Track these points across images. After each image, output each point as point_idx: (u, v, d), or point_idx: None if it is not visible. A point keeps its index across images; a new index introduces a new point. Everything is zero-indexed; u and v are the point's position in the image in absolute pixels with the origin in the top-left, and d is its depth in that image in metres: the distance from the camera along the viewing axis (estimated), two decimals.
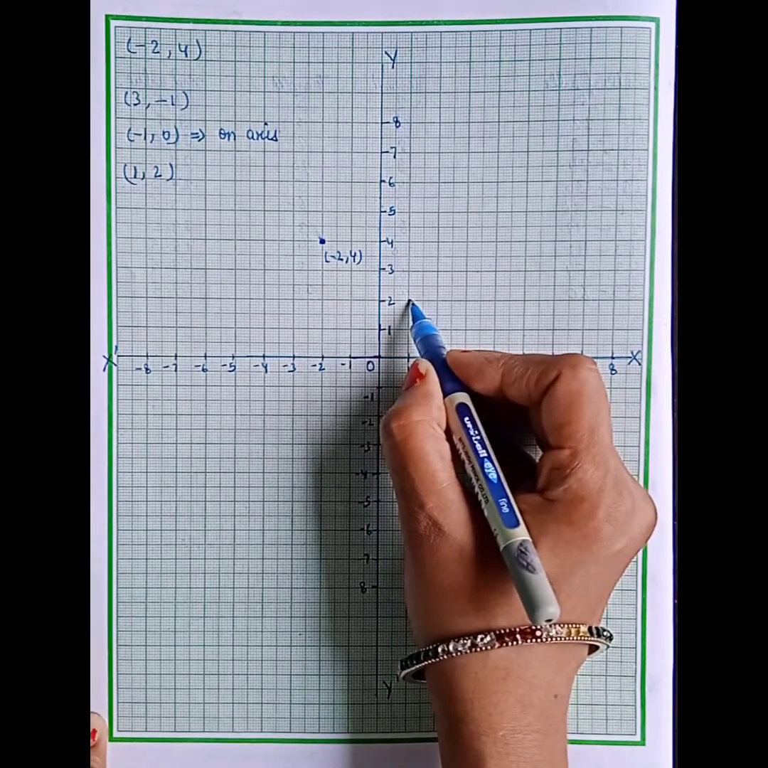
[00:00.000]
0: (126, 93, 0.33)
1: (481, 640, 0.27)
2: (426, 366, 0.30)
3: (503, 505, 0.27)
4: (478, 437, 0.28)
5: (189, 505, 0.33)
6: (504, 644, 0.27)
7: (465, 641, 0.27)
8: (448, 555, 0.28)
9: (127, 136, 0.33)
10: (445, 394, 0.30)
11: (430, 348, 0.31)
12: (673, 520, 0.32)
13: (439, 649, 0.28)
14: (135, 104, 0.33)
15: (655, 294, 0.33)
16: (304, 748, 0.34)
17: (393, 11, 0.33)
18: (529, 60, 0.32)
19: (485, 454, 0.28)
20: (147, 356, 0.33)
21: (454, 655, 0.27)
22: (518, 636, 0.27)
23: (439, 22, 0.33)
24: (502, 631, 0.27)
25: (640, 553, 0.33)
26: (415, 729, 0.34)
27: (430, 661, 0.28)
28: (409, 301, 0.33)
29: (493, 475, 0.28)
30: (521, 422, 0.31)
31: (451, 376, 0.30)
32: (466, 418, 0.29)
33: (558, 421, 0.28)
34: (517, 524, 0.27)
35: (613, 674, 0.33)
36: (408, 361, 0.33)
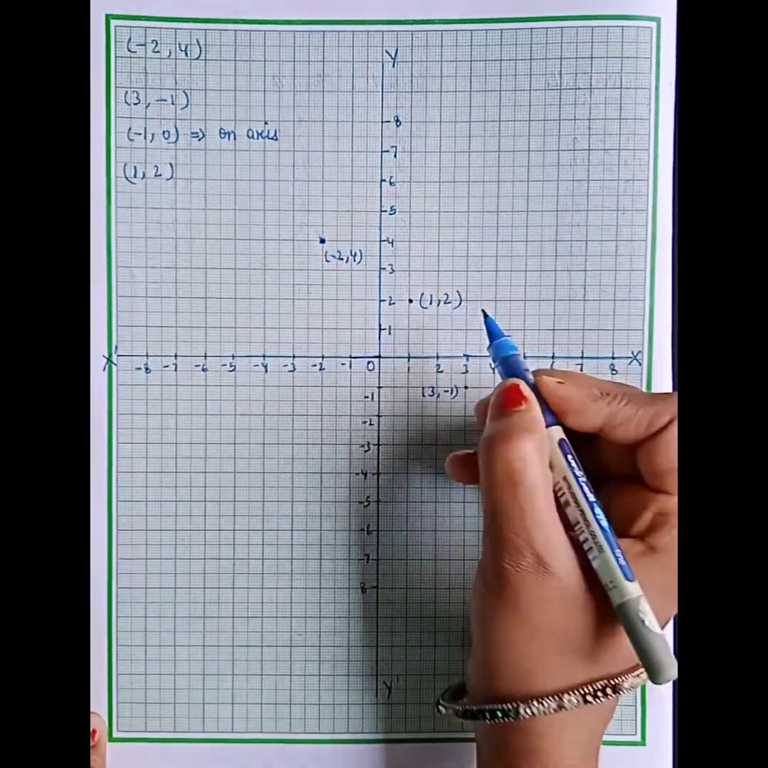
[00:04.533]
0: (126, 92, 0.33)
1: (568, 701, 0.26)
2: (527, 390, 0.27)
3: (619, 557, 0.25)
4: (585, 479, 0.27)
5: (189, 505, 0.33)
6: (589, 704, 0.26)
7: (549, 703, 0.26)
8: (550, 595, 0.26)
9: (127, 136, 0.33)
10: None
11: (516, 371, 0.28)
12: None
13: (522, 710, 0.26)
14: (135, 103, 0.33)
15: (656, 294, 0.33)
16: (304, 748, 0.34)
17: (393, 10, 0.33)
18: (530, 59, 0.32)
19: (593, 498, 0.26)
20: (147, 356, 0.33)
21: (536, 715, 0.26)
22: (609, 690, 0.26)
23: (439, 21, 0.33)
24: (591, 689, 0.26)
25: None
26: (415, 729, 0.34)
27: (508, 719, 0.26)
28: (483, 311, 0.30)
29: (605, 523, 0.26)
30: (597, 453, 0.29)
31: (543, 405, 0.27)
32: (570, 457, 0.27)
33: (668, 466, 0.27)
34: (634, 579, 0.25)
35: None
36: (408, 361, 0.33)
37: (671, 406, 0.27)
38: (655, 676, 0.24)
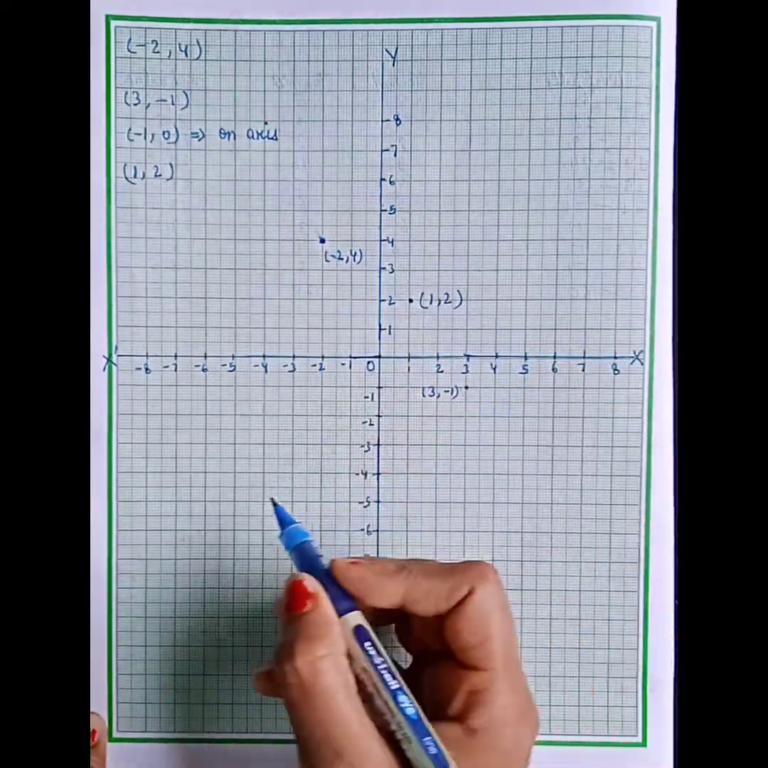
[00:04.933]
0: (126, 93, 0.33)
1: None
2: (314, 585, 0.26)
3: (429, 746, 0.24)
4: (384, 665, 0.25)
5: (189, 505, 0.33)
6: None
7: None
8: None
9: (127, 136, 0.33)
10: (339, 615, 0.26)
11: (308, 559, 0.27)
12: (675, 520, 0.32)
13: None
14: (135, 104, 0.33)
15: (657, 293, 0.33)
16: None
17: (393, 9, 0.32)
18: (531, 58, 0.32)
19: (397, 686, 0.25)
20: (147, 356, 0.33)
21: None
22: None
23: (439, 20, 0.32)
24: None
25: (641, 554, 0.33)
26: None
27: None
28: (272, 500, 0.29)
29: (410, 711, 0.25)
30: (415, 631, 0.28)
31: (338, 590, 0.26)
32: (368, 644, 0.25)
33: (473, 641, 0.26)
34: (448, 765, 0.24)
35: (614, 676, 0.33)
36: (408, 361, 0.33)
37: (469, 577, 0.26)
38: None
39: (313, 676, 0.24)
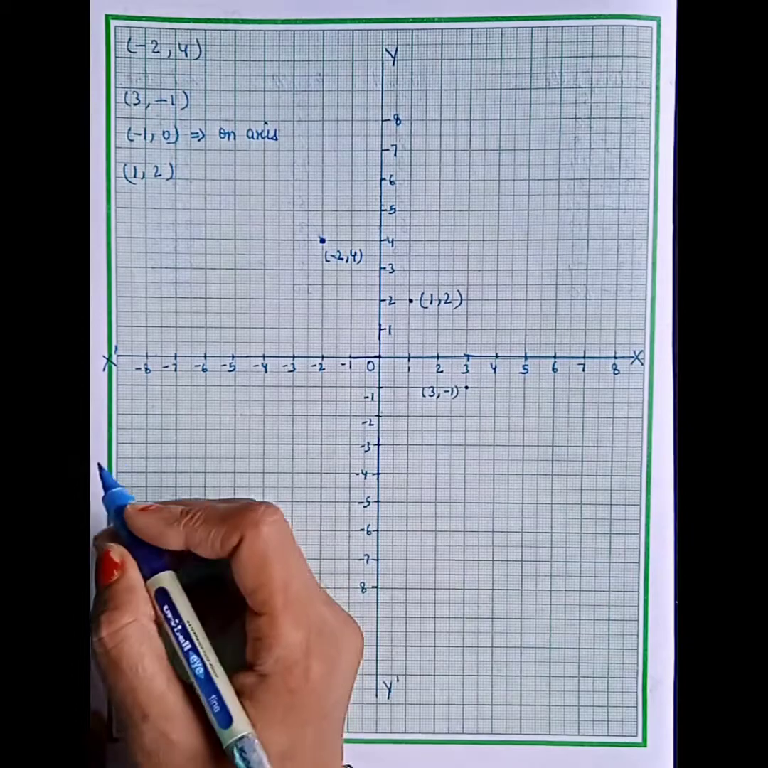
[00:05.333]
0: (126, 93, 0.33)
1: None
2: (120, 552, 0.27)
3: (214, 704, 0.26)
4: (179, 627, 0.27)
5: None
6: None
7: None
8: (182, 763, 0.26)
9: (127, 136, 0.33)
10: (146, 578, 0.27)
11: (121, 519, 0.28)
12: (674, 520, 0.32)
13: None
14: (135, 104, 0.33)
15: (658, 293, 0.33)
16: None
17: (393, 8, 0.32)
18: (531, 58, 0.32)
19: (189, 646, 0.26)
20: (147, 356, 0.33)
21: None
22: None
23: (439, 20, 0.32)
24: None
25: (641, 554, 0.33)
26: (415, 729, 0.34)
27: None
28: (98, 465, 0.30)
29: (199, 670, 0.26)
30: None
31: (152, 551, 0.27)
32: (166, 607, 0.27)
33: (250, 586, 0.26)
34: (230, 723, 0.25)
35: (614, 675, 0.33)
36: (408, 361, 0.33)
37: (239, 524, 0.27)
38: None
39: (117, 645, 0.26)
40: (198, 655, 0.26)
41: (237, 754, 0.25)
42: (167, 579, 0.27)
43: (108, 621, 0.26)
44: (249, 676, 0.27)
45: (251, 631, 0.27)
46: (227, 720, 0.25)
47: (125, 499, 0.29)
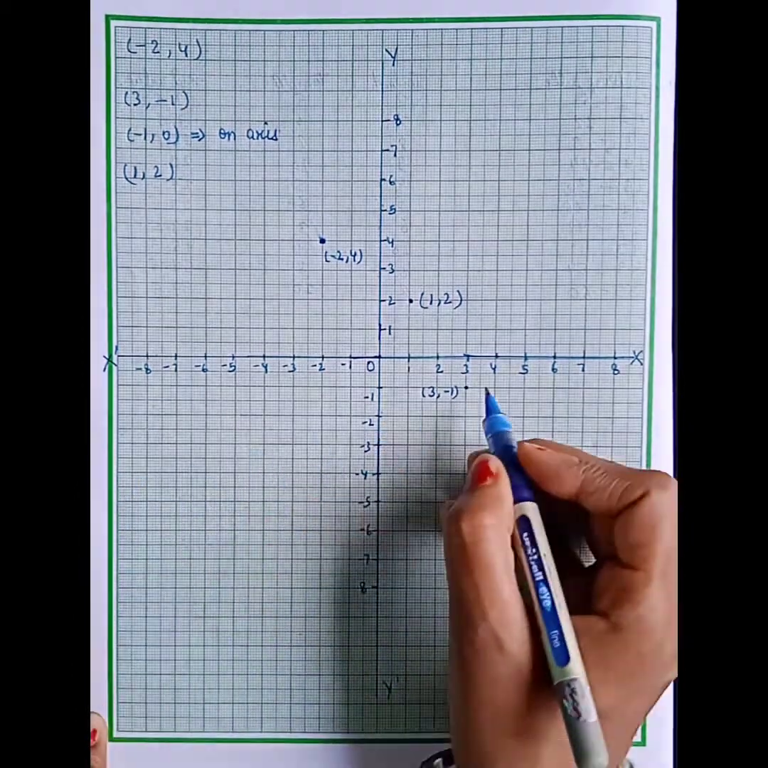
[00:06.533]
0: (126, 93, 0.33)
1: None
2: (497, 465, 0.28)
3: (554, 639, 0.25)
4: (535, 557, 0.27)
5: (189, 505, 0.33)
6: None
7: None
8: (505, 672, 0.26)
9: (127, 136, 0.33)
10: (515, 502, 0.28)
11: (502, 445, 0.30)
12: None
13: None
14: (135, 104, 0.33)
15: (657, 293, 0.33)
16: (304, 748, 0.34)
17: (393, 9, 0.32)
18: (530, 58, 0.32)
19: (541, 577, 0.26)
20: (147, 356, 0.33)
21: None
22: None
23: (439, 20, 0.32)
24: None
25: None
26: (415, 729, 0.34)
27: None
28: (486, 390, 0.32)
29: (547, 603, 0.26)
30: (578, 524, 0.30)
31: (520, 479, 0.28)
32: (526, 535, 0.27)
33: (637, 540, 0.26)
34: (567, 662, 0.25)
35: None
36: (408, 361, 0.33)
37: (646, 481, 0.27)
38: (578, 762, 0.24)
39: (475, 540, 0.26)
40: (548, 587, 0.26)
41: (567, 694, 0.24)
42: (531, 509, 0.28)
43: (472, 515, 0.26)
44: (600, 622, 0.26)
45: (618, 581, 0.27)
46: (565, 658, 0.25)
47: (503, 425, 0.30)
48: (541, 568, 0.27)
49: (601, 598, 0.27)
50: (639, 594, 0.26)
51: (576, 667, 0.25)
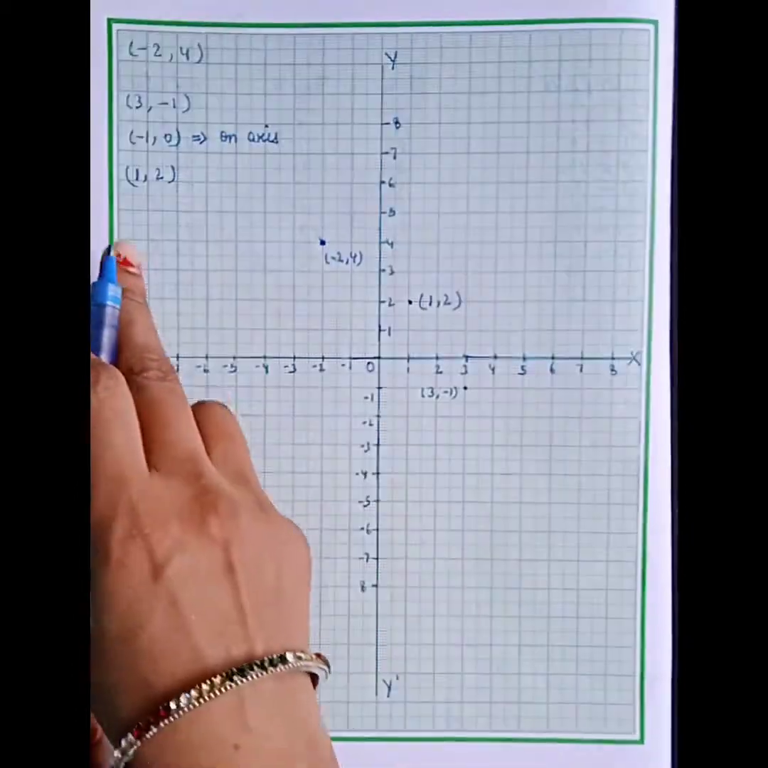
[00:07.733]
0: (128, 96, 0.33)
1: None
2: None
3: None
4: None
5: None
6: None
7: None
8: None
9: (129, 139, 0.33)
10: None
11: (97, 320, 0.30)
12: (673, 520, 0.32)
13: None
14: (137, 107, 0.33)
15: (655, 294, 0.33)
16: None
17: (393, 12, 0.33)
18: (529, 61, 0.33)
19: None
20: None
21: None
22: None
23: (439, 24, 0.33)
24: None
25: (638, 554, 0.33)
26: (415, 728, 0.34)
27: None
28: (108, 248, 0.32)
29: None
30: None
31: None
32: None
33: None
34: None
35: (612, 673, 0.33)
36: (408, 361, 0.33)
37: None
38: None
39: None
40: None
41: None
42: None
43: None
44: None
45: None
46: None
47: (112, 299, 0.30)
48: None
49: None
50: None
51: None
